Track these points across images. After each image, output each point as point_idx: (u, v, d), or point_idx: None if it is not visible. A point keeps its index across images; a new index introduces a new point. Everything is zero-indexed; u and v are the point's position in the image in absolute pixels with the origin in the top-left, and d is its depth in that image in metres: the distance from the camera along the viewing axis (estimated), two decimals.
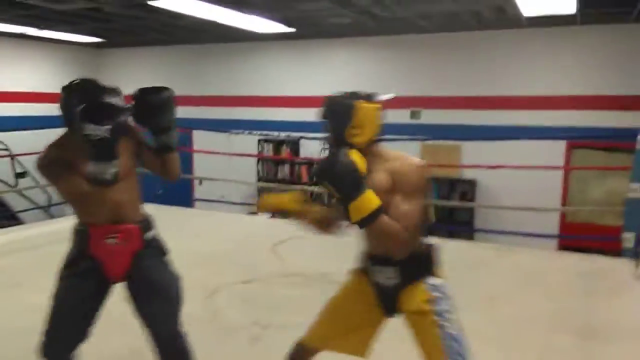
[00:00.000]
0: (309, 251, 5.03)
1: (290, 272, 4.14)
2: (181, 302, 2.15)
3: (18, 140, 7.59)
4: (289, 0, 5.61)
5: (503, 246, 5.26)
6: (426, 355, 1.82)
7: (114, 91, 1.95)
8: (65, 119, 1.96)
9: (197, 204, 7.94)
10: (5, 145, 7.76)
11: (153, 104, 2.06)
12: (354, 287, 1.97)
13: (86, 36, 8.43)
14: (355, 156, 1.67)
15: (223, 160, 7.46)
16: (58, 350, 2.09)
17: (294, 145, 8.36)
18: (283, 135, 7.62)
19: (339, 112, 1.80)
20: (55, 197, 8.51)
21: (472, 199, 7.26)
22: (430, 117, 7.61)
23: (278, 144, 8.44)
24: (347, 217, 1.67)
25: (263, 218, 7.30)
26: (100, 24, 7.17)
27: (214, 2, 5.51)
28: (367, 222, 1.65)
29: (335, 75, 8.15)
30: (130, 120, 2.06)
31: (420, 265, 1.85)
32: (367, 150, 1.78)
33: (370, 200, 1.63)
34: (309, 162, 8.10)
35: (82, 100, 1.87)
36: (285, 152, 8.40)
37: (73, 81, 1.96)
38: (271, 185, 8.06)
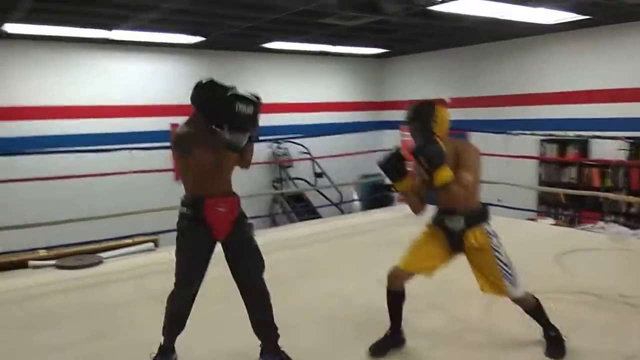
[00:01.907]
0: (600, 265, 4.48)
1: (579, 289, 3.74)
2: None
3: (316, 145, 8.81)
4: None
5: None
6: (486, 276, 2.69)
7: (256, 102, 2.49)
8: (205, 111, 2.55)
9: None
10: (307, 149, 9.05)
11: (242, 112, 2.47)
12: (430, 232, 2.80)
13: (372, 48, 9.22)
14: (441, 142, 2.54)
15: (500, 163, 7.20)
16: (186, 294, 2.66)
17: (583, 146, 7.52)
18: (570, 134, 6.93)
19: (425, 113, 2.68)
20: (345, 195, 9.59)
21: None
22: None
23: (563, 144, 7.72)
24: (431, 181, 2.55)
25: (545, 225, 6.78)
26: (385, 35, 7.74)
27: None
28: (444, 185, 2.52)
29: (634, 63, 7.01)
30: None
31: (479, 216, 2.71)
32: (443, 138, 2.61)
33: (447, 172, 2.52)
34: (602, 164, 7.17)
35: (225, 90, 2.46)
36: (571, 153, 7.63)
37: (208, 80, 2.56)
38: (554, 190, 7.43)
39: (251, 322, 2.72)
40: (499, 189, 7.26)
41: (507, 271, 2.67)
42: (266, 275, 2.70)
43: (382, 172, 2.86)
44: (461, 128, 8.72)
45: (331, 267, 4.53)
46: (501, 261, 2.67)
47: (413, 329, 3.04)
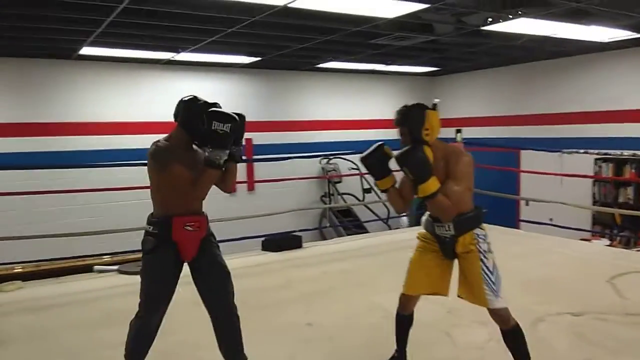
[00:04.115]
0: None
1: (634, 311, 3.67)
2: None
3: None
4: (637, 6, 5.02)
5: None
6: (469, 280, 2.51)
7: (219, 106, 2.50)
8: (186, 120, 2.51)
9: (522, 225, 7.73)
10: (356, 165, 9.17)
11: (217, 130, 2.40)
12: (423, 245, 2.67)
13: (423, 67, 9.29)
14: (428, 151, 2.39)
15: (553, 181, 7.08)
16: (153, 318, 2.54)
17: None
18: (627, 153, 6.74)
19: (414, 118, 2.49)
20: (393, 211, 9.58)
21: None
22: None
23: (620, 163, 7.49)
24: (416, 192, 2.44)
25: (600, 246, 6.59)
26: (437, 54, 7.81)
27: (553, 18, 5.37)
28: (429, 198, 2.42)
29: None
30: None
31: (468, 220, 2.52)
32: (432, 144, 2.48)
33: (433, 184, 2.39)
34: None
35: (207, 106, 2.45)
36: (629, 172, 7.40)
37: (190, 97, 2.56)
38: (609, 210, 7.21)
39: (219, 345, 2.62)
40: (551, 208, 7.13)
41: (489, 278, 2.45)
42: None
43: (365, 168, 2.69)
44: (514, 146, 8.67)
45: (376, 280, 4.60)
46: (486, 266, 2.47)
47: (457, 343, 3.09)
